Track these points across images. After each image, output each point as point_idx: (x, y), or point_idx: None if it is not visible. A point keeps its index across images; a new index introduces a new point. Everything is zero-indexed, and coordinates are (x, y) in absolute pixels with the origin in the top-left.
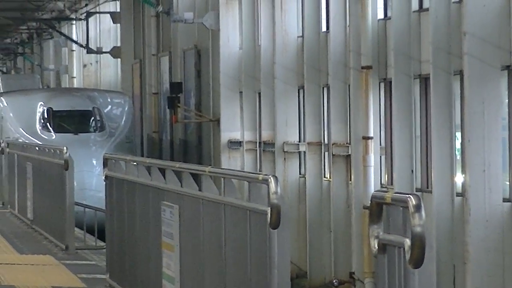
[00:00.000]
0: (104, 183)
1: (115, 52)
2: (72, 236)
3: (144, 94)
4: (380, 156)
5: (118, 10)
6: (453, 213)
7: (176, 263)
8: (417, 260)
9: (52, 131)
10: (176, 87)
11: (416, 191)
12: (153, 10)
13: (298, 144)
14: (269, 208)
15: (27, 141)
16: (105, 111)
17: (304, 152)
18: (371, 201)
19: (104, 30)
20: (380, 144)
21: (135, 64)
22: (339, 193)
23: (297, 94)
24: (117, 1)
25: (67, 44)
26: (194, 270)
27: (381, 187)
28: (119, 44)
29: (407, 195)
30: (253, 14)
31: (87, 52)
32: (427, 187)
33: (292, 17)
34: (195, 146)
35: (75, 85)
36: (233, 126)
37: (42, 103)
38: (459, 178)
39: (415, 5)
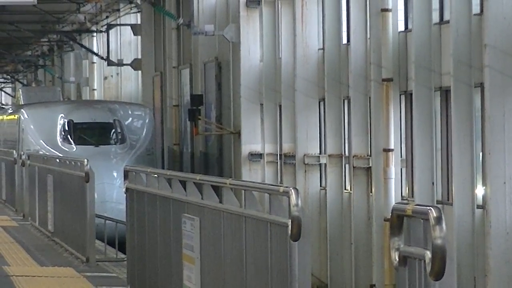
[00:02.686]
0: (125, 195)
1: (136, 65)
2: (93, 248)
3: (164, 107)
4: (401, 169)
5: (139, 22)
6: (473, 225)
7: (197, 275)
8: (438, 273)
9: (72, 143)
10: (196, 100)
11: (437, 203)
12: (174, 22)
13: (319, 156)
14: (290, 220)
15: (47, 153)
16: (125, 123)
17: (325, 164)
18: (392, 213)
19: (125, 42)
20: (401, 157)
21: (155, 76)
22: (359, 205)
23: (318, 106)
24: (138, 14)
25: (87, 57)
26: (215, 282)
27: (402, 199)
28: (139, 57)
29: (428, 208)
30: (274, 26)
31: (108, 65)
32: (448, 200)
33: (312, 30)
34: (215, 158)
35: (96, 98)
36: (253, 138)
37: (63, 115)
38: (479, 191)
39: (435, 18)
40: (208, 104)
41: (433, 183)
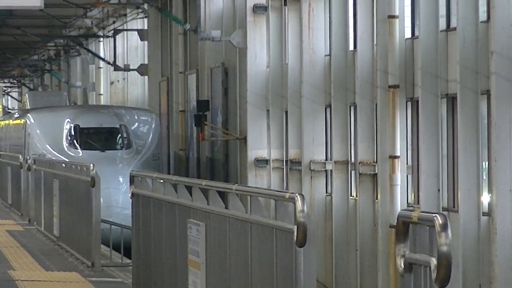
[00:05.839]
0: (131, 200)
1: (142, 70)
2: (98, 253)
3: (171, 112)
4: (407, 175)
5: (146, 27)
6: (479, 232)
7: (202, 281)
8: (443, 280)
9: (79, 148)
10: (203, 105)
11: (443, 210)
12: (180, 27)
13: (325, 162)
14: (296, 226)
15: (53, 158)
16: (132, 128)
17: (331, 170)
18: (397, 220)
19: (132, 47)
20: (407, 163)
21: (162, 81)
22: (365, 211)
23: (324, 112)
24: (145, 19)
25: (94, 61)
26: None
27: (408, 206)
28: (146, 62)
29: (433, 214)
30: (281, 32)
31: (115, 70)
32: (454, 207)
33: (319, 36)
34: (221, 164)
35: (102, 102)
36: (260, 144)
37: (69, 120)
38: (485, 198)
39: (442, 25)
40: (214, 110)
41: (439, 190)
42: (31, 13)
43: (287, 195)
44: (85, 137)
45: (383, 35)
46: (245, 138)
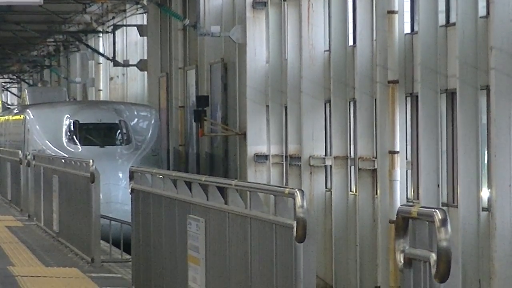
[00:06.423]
0: (130, 196)
1: (141, 65)
2: (98, 249)
3: (170, 108)
4: (406, 171)
5: (145, 23)
6: (479, 228)
7: (202, 276)
8: (443, 275)
9: (78, 143)
10: (202, 101)
11: (442, 205)
12: (180, 23)
13: (324, 158)
14: (295, 221)
15: (53, 154)
16: (131, 124)
17: (330, 166)
18: (397, 215)
19: (131, 43)
20: (406, 159)
21: (161, 77)
22: (365, 207)
23: (324, 108)
24: (144, 14)
25: (93, 57)
26: (220, 283)
27: (407, 201)
28: (145, 57)
29: (433, 210)
30: (280, 28)
31: (114, 65)
32: (453, 202)
33: (319, 31)
34: (221, 159)
35: (102, 98)
36: (259, 139)
37: (69, 116)
38: (485, 193)
39: (442, 20)
40: (214, 105)
41: (438, 185)
42: (31, 8)
43: (286, 190)
44: (85, 133)
45: (382, 30)
46: (244, 134)
